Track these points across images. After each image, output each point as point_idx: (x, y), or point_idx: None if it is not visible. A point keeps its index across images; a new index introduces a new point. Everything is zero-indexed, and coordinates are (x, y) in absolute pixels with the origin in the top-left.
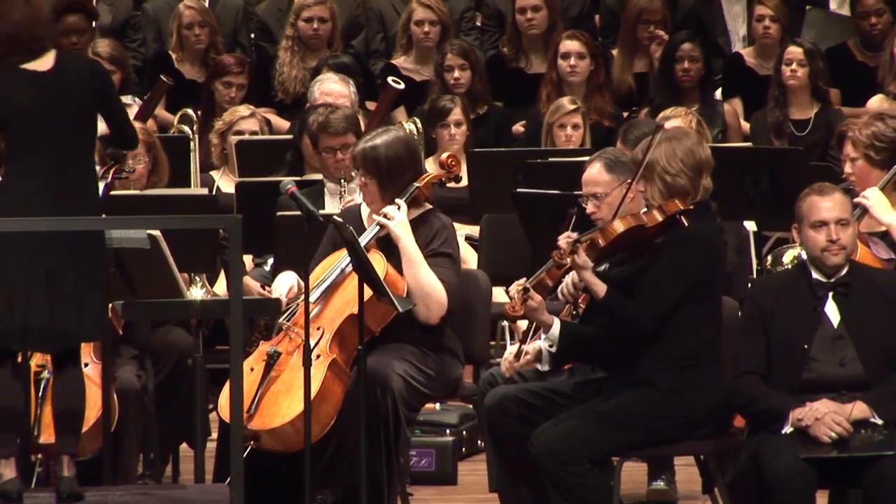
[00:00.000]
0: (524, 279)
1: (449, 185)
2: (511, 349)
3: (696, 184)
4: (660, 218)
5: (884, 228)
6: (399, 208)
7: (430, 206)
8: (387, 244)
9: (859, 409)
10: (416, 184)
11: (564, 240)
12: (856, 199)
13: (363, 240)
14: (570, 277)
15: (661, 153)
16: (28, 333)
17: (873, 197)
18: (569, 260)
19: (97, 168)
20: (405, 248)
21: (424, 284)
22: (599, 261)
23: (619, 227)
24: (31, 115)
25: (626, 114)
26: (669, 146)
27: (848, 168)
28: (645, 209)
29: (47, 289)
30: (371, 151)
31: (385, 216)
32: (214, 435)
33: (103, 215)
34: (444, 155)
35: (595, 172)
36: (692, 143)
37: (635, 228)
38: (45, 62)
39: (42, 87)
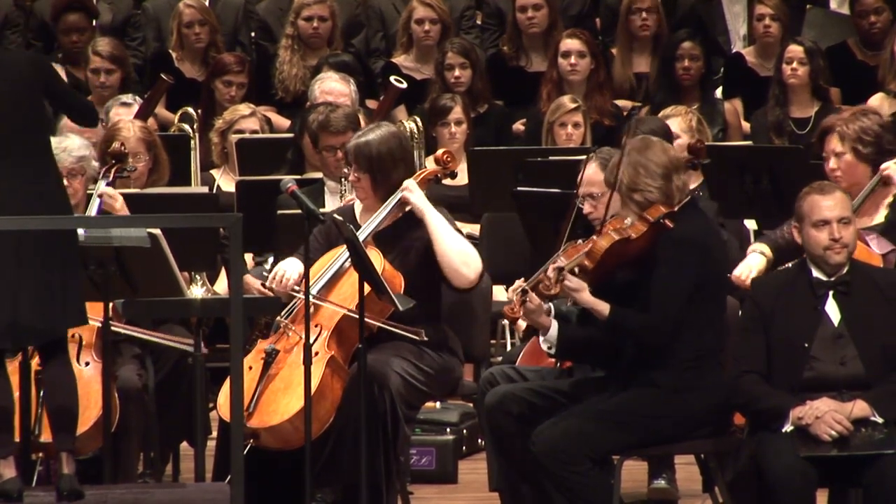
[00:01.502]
0: (523, 280)
1: (445, 181)
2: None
3: (668, 190)
4: (643, 228)
5: (879, 222)
6: (415, 185)
7: None
8: (383, 241)
9: (859, 407)
10: (413, 179)
11: (550, 269)
12: (883, 166)
13: (363, 233)
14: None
15: (624, 172)
16: (13, 331)
17: None
18: (557, 290)
19: (95, 165)
20: (432, 218)
21: (461, 247)
22: (594, 282)
23: (603, 244)
24: None
25: (626, 112)
26: (629, 162)
27: (833, 164)
28: (628, 221)
29: (27, 286)
30: (364, 146)
31: (408, 189)
32: (215, 433)
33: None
34: (440, 151)
35: (591, 172)
36: (651, 152)
37: (621, 243)
38: None
39: None
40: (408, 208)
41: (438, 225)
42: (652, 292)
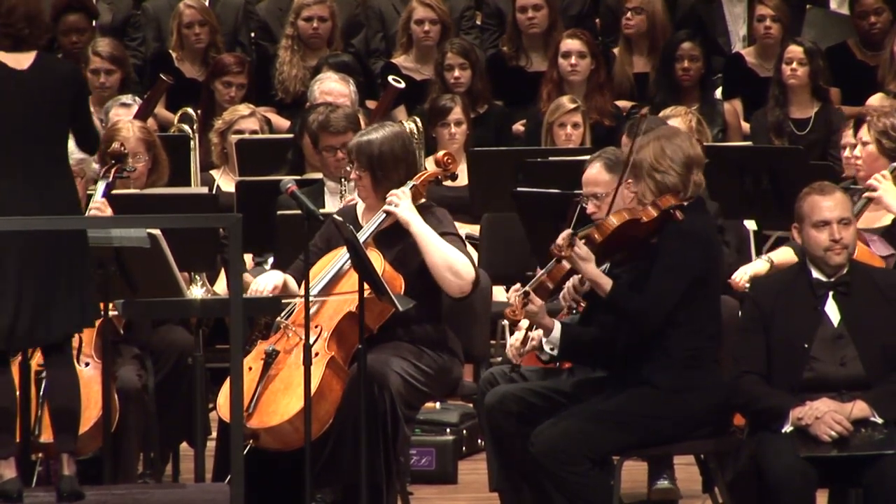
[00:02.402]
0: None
1: (445, 183)
2: (517, 335)
3: (686, 180)
4: (654, 213)
5: (882, 224)
6: (403, 194)
7: (424, 201)
8: (383, 242)
9: (859, 408)
10: (413, 182)
11: (562, 236)
12: (867, 182)
13: (363, 235)
14: (572, 282)
15: (650, 152)
16: (15, 333)
17: (884, 185)
18: (567, 253)
19: (95, 167)
20: (419, 230)
21: (448, 257)
22: (598, 257)
23: (614, 221)
24: (1, 114)
25: (625, 112)
26: (658, 144)
27: (857, 152)
28: (640, 206)
29: (32, 287)
30: (366, 145)
31: (392, 203)
32: (214, 434)
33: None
34: (440, 153)
35: (595, 172)
36: (681, 140)
37: (631, 223)
38: (24, 60)
39: (16, 86)
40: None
41: (426, 236)
42: (651, 279)
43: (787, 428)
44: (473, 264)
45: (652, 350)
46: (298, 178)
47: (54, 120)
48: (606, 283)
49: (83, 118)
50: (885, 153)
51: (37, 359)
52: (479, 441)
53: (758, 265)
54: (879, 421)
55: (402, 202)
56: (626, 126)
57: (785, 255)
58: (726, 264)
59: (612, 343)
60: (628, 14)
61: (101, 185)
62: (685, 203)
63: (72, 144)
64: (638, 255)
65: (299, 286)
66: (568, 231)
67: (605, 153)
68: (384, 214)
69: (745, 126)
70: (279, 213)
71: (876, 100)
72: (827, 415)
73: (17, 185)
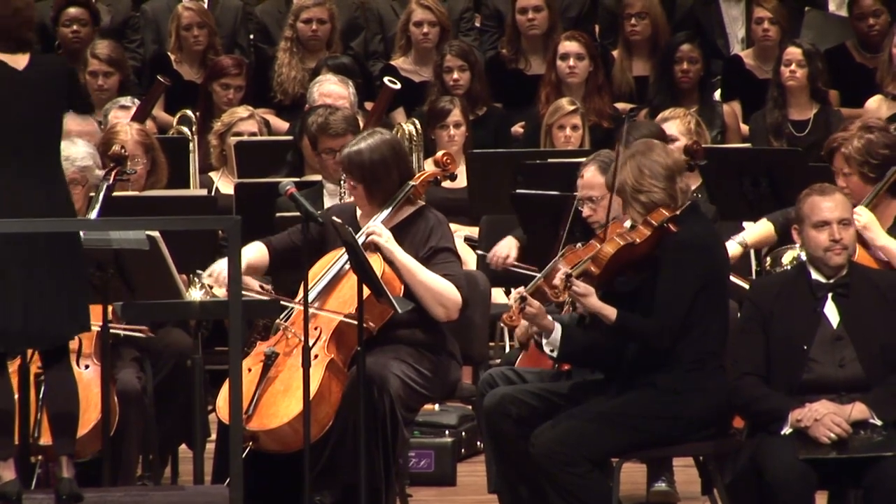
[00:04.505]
0: (522, 287)
1: (444, 183)
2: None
3: (671, 191)
4: (648, 232)
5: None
6: (379, 227)
7: (422, 203)
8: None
9: (858, 409)
10: (412, 182)
11: (558, 277)
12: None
13: (362, 236)
14: None
15: (628, 174)
16: (16, 335)
17: (866, 217)
18: (566, 296)
19: (99, 174)
20: (402, 261)
21: (432, 287)
22: (600, 289)
23: (609, 250)
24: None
25: (624, 114)
26: (634, 164)
27: (841, 182)
28: (631, 226)
29: (27, 288)
30: (356, 156)
31: (376, 235)
32: (214, 436)
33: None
34: (440, 153)
35: (590, 176)
36: (656, 154)
37: (626, 248)
38: (21, 61)
39: (16, 85)
40: (404, 217)
41: (411, 268)
42: (657, 296)
43: (787, 430)
44: (459, 284)
45: (663, 357)
46: (297, 180)
47: (50, 120)
48: (611, 312)
49: (77, 90)
50: (871, 181)
51: (36, 362)
52: (478, 443)
53: (730, 250)
54: (878, 423)
55: (383, 234)
56: (619, 131)
57: (761, 229)
58: None
59: (612, 348)
60: (632, 20)
61: (101, 188)
62: (678, 212)
63: (73, 151)
64: (641, 272)
65: (277, 262)
66: (564, 271)
67: (600, 156)
68: (362, 241)
69: (744, 128)
70: (278, 214)
71: (874, 102)
72: (826, 417)
73: (16, 184)
